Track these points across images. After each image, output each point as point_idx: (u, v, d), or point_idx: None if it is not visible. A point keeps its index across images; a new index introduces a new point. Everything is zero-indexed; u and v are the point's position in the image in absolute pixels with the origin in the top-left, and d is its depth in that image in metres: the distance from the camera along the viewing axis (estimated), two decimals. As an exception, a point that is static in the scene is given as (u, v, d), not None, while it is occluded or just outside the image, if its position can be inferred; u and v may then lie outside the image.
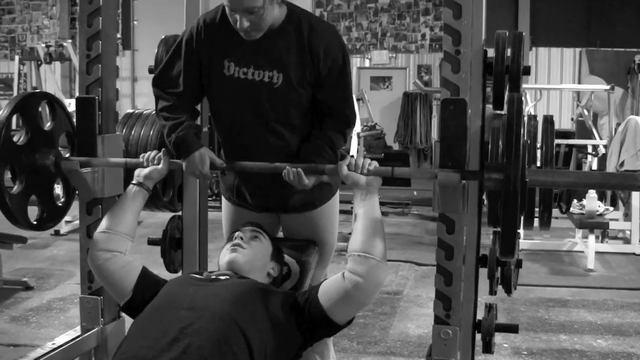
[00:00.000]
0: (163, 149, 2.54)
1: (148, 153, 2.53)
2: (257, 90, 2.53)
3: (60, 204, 2.89)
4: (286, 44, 2.50)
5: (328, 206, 2.77)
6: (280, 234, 2.90)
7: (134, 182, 2.49)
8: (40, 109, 2.88)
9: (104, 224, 2.43)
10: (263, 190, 2.71)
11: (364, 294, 2.19)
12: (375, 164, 2.30)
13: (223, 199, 2.89)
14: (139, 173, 2.50)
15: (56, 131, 2.83)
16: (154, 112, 2.69)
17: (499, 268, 2.64)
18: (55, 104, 2.85)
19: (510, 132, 1.96)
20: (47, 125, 2.81)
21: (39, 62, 10.77)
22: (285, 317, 2.17)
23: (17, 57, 12.07)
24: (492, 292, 2.69)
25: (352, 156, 2.37)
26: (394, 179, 2.96)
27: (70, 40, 10.17)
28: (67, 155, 2.84)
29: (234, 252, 2.35)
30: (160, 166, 2.49)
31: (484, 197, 2.60)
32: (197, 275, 2.34)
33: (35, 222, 2.74)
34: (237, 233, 2.43)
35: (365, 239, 2.20)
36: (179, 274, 3.07)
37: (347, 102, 2.61)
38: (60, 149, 2.80)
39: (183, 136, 2.51)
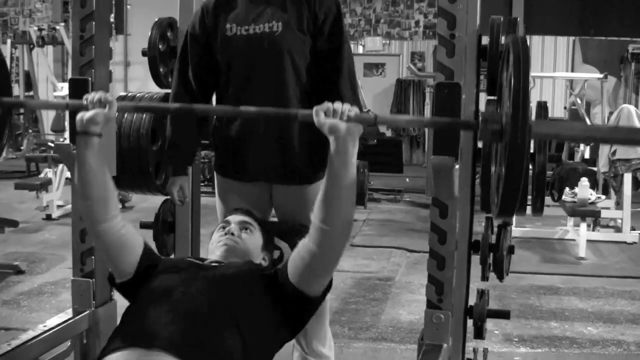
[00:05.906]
0: (108, 94, 2.22)
1: (93, 94, 2.16)
2: (259, 42, 2.64)
3: None
4: (282, 1, 2.65)
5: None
6: (274, 219, 2.89)
7: (78, 130, 2.17)
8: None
9: (87, 193, 2.20)
10: (264, 154, 2.71)
11: (324, 263, 2.12)
12: (355, 109, 1.98)
13: (216, 176, 2.88)
14: (82, 117, 2.15)
15: None
16: (147, 94, 2.67)
17: (491, 254, 2.64)
18: None
19: (517, 80, 1.73)
20: None
21: (32, 46, 10.72)
22: (273, 302, 2.15)
23: (9, 41, 12.03)
24: (484, 278, 2.69)
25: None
26: (388, 165, 3.01)
27: (63, 24, 10.11)
28: None
29: (225, 246, 2.33)
30: (107, 110, 2.15)
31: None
32: (190, 260, 2.33)
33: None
34: (227, 227, 2.39)
35: (327, 207, 2.05)
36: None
37: (345, 56, 2.68)
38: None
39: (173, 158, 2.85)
